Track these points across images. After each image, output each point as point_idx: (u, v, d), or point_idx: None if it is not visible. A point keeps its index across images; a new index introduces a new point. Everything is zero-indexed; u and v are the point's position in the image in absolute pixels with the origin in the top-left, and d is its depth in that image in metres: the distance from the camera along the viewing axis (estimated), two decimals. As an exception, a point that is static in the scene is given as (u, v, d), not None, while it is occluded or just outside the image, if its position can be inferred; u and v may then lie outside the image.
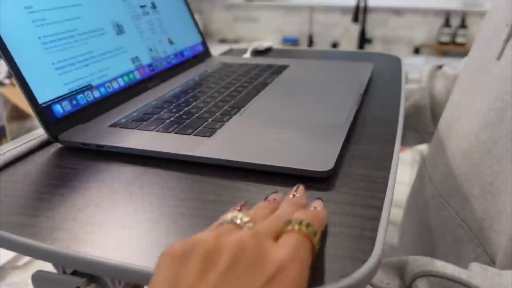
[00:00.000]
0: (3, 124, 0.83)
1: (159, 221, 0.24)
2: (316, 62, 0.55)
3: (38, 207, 0.26)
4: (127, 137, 0.33)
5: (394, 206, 0.78)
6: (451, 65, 0.59)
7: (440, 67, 0.62)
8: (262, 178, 0.28)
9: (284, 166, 0.28)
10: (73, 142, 0.33)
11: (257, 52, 0.65)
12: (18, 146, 0.33)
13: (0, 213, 0.25)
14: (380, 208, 0.25)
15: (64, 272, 0.24)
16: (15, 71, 0.32)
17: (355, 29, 2.59)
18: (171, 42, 0.51)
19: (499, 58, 0.37)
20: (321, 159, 0.28)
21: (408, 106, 0.61)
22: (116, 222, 0.24)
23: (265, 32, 3.66)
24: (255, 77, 0.48)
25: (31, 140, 0.34)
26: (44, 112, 0.33)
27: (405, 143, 0.67)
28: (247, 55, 0.63)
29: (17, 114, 0.93)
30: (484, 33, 0.43)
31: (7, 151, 0.32)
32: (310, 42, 2.92)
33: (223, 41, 3.64)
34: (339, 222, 0.23)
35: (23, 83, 0.33)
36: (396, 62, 0.57)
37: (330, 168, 0.27)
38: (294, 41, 3.01)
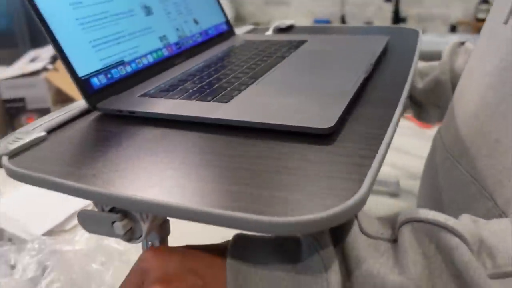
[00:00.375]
0: (48, 106, 0.90)
1: (182, 169, 0.28)
2: (334, 36, 0.57)
3: (81, 161, 0.30)
4: (155, 104, 0.37)
5: (414, 179, 0.80)
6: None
7: (462, 43, 0.63)
8: (272, 136, 0.31)
9: (290, 124, 0.31)
10: (109, 110, 0.38)
11: (279, 30, 0.68)
12: (63, 114, 0.37)
13: (49, 165, 0.30)
14: (373, 157, 0.28)
15: (103, 210, 0.28)
16: (58, 49, 0.37)
17: (389, 8, 2.55)
18: (196, 22, 0.55)
19: (506, 22, 0.39)
20: (325, 118, 0.31)
21: (429, 81, 0.62)
22: (144, 170, 0.28)
23: (297, 14, 3.63)
24: (274, 51, 0.51)
25: (74, 109, 0.39)
26: (84, 85, 0.38)
27: (428, 120, 0.69)
28: (269, 32, 0.66)
29: (61, 98, 1.00)
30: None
31: (55, 117, 0.37)
32: (343, 23, 2.90)
33: (255, 24, 3.62)
34: (333, 169, 0.27)
35: (65, 60, 0.37)
36: (414, 35, 0.59)
37: (331, 125, 0.30)
38: (326, 22, 2.99)
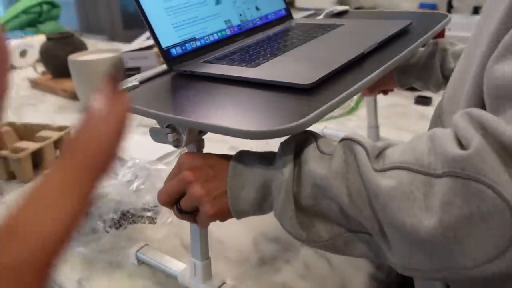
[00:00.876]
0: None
1: (210, 105, 0.45)
2: (367, 21, 0.70)
3: (161, 100, 0.49)
4: (209, 67, 0.55)
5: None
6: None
7: None
8: (274, 88, 0.47)
9: (284, 81, 0.46)
10: (180, 71, 0.56)
11: (333, 15, 0.81)
12: (151, 72, 0.57)
13: (139, 101, 0.49)
14: (326, 103, 0.42)
15: (162, 127, 0.47)
16: (149, 28, 0.56)
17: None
18: (257, 9, 0.71)
19: None
20: (308, 79, 0.46)
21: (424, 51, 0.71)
22: (190, 104, 0.46)
23: (404, -2, 3.55)
24: (312, 32, 0.66)
25: (158, 69, 0.58)
26: (165, 53, 0.57)
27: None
28: (321, 17, 0.80)
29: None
30: None
31: (146, 74, 0.56)
32: (450, 7, 2.81)
33: (359, 8, 3.65)
34: (298, 109, 0.42)
35: (154, 35, 0.56)
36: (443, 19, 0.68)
37: (311, 83, 0.45)
38: (433, 7, 2.92)
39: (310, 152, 0.42)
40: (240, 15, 0.68)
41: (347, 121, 1.01)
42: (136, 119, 0.95)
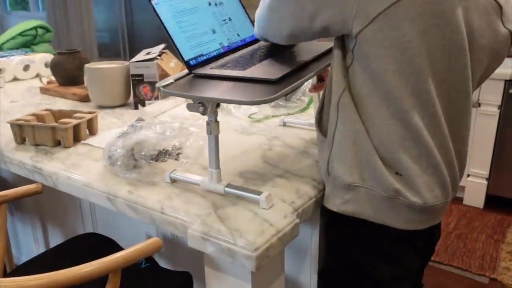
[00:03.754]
0: (156, 80, 1.50)
1: (221, 89, 0.83)
2: (313, 41, 1.12)
3: (193, 89, 0.87)
4: (215, 71, 0.93)
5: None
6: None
7: None
8: (256, 81, 0.86)
9: (260, 77, 0.86)
10: (197, 74, 0.94)
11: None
12: (179, 75, 0.94)
13: (174, 87, 0.87)
14: (286, 87, 0.82)
15: (195, 102, 0.84)
16: (177, 49, 0.94)
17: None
18: (238, 35, 1.11)
19: None
20: (276, 75, 0.85)
21: None
22: (214, 91, 0.84)
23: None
24: (276, 49, 1.06)
25: (183, 73, 0.96)
26: (187, 63, 0.95)
27: None
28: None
29: (163, 75, 1.59)
30: None
31: (175, 76, 0.94)
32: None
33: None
34: (268, 91, 0.82)
35: (179, 53, 0.94)
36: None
37: (277, 77, 0.84)
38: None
39: None
40: (228, 39, 1.08)
41: (301, 115, 1.42)
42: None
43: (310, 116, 1.40)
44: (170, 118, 1.42)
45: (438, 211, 0.87)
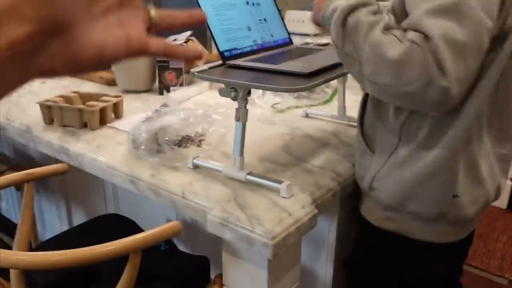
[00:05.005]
0: (181, 67, 1.51)
1: (252, 76, 0.84)
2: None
3: (226, 75, 0.88)
4: (249, 64, 0.94)
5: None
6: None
7: None
8: (290, 75, 0.87)
9: (294, 71, 0.86)
10: (230, 64, 0.95)
11: (319, 44, 1.23)
12: (214, 64, 0.95)
13: (207, 73, 0.88)
14: (318, 80, 0.82)
15: (227, 87, 0.85)
16: (214, 41, 0.95)
17: None
18: (272, 36, 1.12)
19: None
20: (308, 69, 0.86)
21: None
22: (247, 78, 0.85)
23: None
24: (306, 52, 1.06)
25: (218, 63, 0.97)
26: (222, 54, 0.96)
27: None
28: (312, 45, 1.21)
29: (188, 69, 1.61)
30: None
31: (211, 64, 0.95)
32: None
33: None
34: (299, 83, 0.82)
35: (216, 44, 0.95)
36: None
37: (308, 72, 0.85)
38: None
39: (368, 10, 0.72)
40: (262, 38, 1.08)
41: (324, 107, 1.41)
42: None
43: (333, 108, 1.40)
44: (193, 104, 1.44)
45: (476, 220, 0.86)
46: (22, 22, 0.26)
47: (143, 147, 0.99)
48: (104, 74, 1.74)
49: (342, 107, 1.22)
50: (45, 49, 0.28)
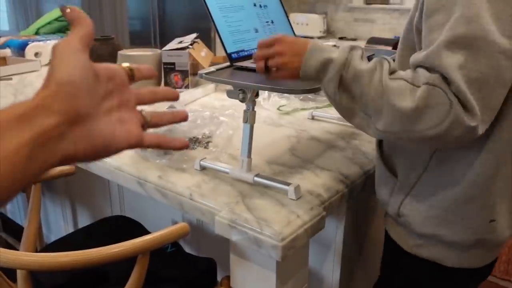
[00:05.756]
0: (187, 69, 1.52)
1: (256, 77, 0.84)
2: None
3: (234, 77, 0.88)
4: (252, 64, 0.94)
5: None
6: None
7: None
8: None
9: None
10: (237, 66, 0.95)
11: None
12: (222, 65, 0.96)
13: (215, 75, 0.88)
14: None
15: (235, 89, 0.85)
16: (222, 43, 0.95)
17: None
18: (276, 32, 1.12)
19: None
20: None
21: None
22: (247, 78, 0.85)
23: (380, 31, 4.09)
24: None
25: (225, 64, 0.97)
26: (229, 55, 0.96)
27: None
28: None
29: (195, 64, 1.61)
30: None
31: (218, 66, 0.95)
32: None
33: (342, 38, 4.17)
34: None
35: (224, 46, 0.96)
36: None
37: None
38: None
39: (357, 55, 0.69)
40: (267, 36, 1.08)
41: (329, 109, 1.41)
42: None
43: (339, 110, 1.40)
44: (199, 106, 1.44)
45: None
46: (51, 114, 0.34)
47: (150, 149, 0.99)
48: (110, 76, 1.74)
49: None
50: (68, 136, 0.35)
